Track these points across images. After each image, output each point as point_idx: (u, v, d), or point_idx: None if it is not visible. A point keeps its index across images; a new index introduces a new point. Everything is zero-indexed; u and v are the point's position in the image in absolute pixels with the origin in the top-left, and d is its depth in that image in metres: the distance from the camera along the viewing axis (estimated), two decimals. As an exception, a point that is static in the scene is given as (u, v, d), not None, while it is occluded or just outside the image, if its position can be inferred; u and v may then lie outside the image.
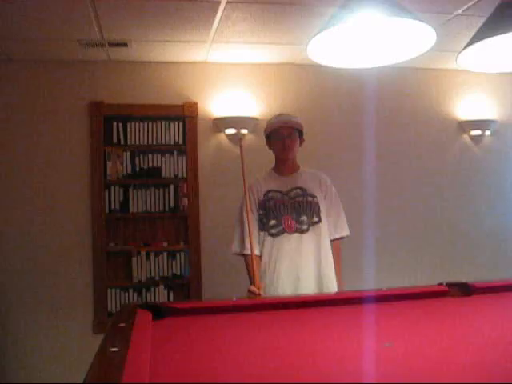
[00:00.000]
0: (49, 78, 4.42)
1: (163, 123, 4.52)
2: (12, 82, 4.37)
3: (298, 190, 3.25)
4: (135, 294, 4.46)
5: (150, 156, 4.51)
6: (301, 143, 3.33)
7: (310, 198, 3.23)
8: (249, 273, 3.15)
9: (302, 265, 3.15)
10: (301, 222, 3.18)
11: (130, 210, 4.46)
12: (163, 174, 4.52)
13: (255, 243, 3.13)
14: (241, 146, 3.32)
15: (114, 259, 4.46)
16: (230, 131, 4.56)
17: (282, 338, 1.90)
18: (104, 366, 1.42)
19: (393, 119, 4.90)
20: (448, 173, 5.03)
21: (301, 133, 3.31)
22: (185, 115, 4.55)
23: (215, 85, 4.62)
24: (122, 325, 1.85)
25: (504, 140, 5.15)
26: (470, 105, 5.06)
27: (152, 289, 4.46)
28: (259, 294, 2.93)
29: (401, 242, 4.82)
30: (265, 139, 3.41)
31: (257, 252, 3.14)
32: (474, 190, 5.06)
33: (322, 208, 3.24)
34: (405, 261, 4.75)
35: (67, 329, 4.31)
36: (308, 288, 3.12)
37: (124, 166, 4.46)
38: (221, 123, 4.58)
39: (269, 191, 3.25)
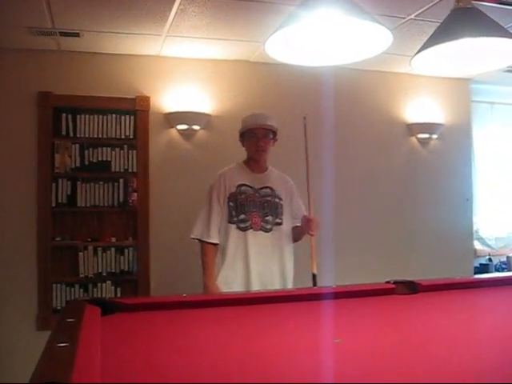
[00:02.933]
0: (-5, 66, 4.28)
1: (114, 116, 4.45)
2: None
3: (268, 190, 3.31)
4: (81, 290, 4.37)
5: (99, 149, 4.42)
6: (273, 143, 3.39)
7: (277, 200, 3.31)
8: (204, 259, 3.20)
9: (265, 261, 3.22)
10: (266, 221, 3.25)
11: (78, 204, 4.37)
12: (113, 168, 4.45)
13: (215, 232, 3.21)
14: (305, 124, 3.43)
15: (59, 254, 4.36)
16: (182, 127, 4.53)
17: (229, 334, 1.90)
18: (53, 362, 1.38)
19: (345, 120, 4.96)
20: (395, 173, 5.14)
21: (274, 133, 3.35)
22: (136, 109, 4.49)
23: (168, 79, 4.57)
24: (70, 320, 1.81)
25: (449, 143, 5.30)
26: (418, 108, 5.18)
27: (99, 285, 4.39)
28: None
29: (349, 240, 4.89)
30: (239, 135, 3.41)
31: (215, 241, 3.21)
32: (420, 191, 5.19)
33: (284, 210, 3.32)
34: (353, 259, 4.81)
35: (10, 325, 4.18)
36: (272, 284, 3.19)
37: (73, 158, 4.37)
38: (173, 118, 4.54)
39: (242, 185, 3.28)
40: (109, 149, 4.44)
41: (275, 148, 4.66)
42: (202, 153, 4.59)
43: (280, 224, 3.29)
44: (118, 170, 4.45)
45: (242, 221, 3.22)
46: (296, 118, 4.83)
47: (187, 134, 4.58)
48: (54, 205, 4.32)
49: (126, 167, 4.47)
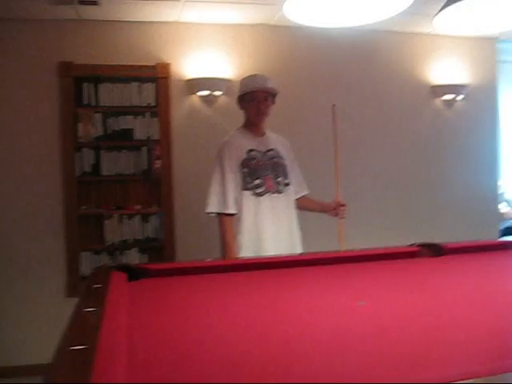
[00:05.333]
0: (15, 37, 4.28)
1: (135, 84, 4.44)
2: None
3: (273, 152, 3.27)
4: (108, 257, 4.44)
5: (121, 118, 4.43)
6: (272, 105, 3.32)
7: (282, 161, 3.28)
8: (224, 234, 3.13)
9: (280, 224, 3.20)
10: (278, 183, 3.22)
11: (102, 173, 4.41)
12: (135, 136, 4.46)
13: (232, 203, 3.14)
14: (334, 112, 3.34)
15: (86, 222, 4.42)
16: (203, 93, 4.51)
17: (258, 298, 1.91)
18: (80, 326, 1.41)
19: (366, 82, 4.90)
20: (420, 136, 5.07)
21: (274, 96, 3.29)
22: (157, 76, 4.48)
23: (188, 45, 4.54)
24: (97, 285, 1.84)
25: (475, 104, 5.19)
26: (442, 69, 5.08)
27: (125, 252, 4.45)
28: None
29: (374, 204, 4.88)
30: (236, 98, 3.34)
31: (234, 211, 3.15)
32: (445, 153, 5.12)
33: (289, 171, 3.30)
34: (377, 223, 4.81)
35: (40, 293, 4.28)
36: (285, 246, 3.16)
37: (96, 127, 4.39)
38: (194, 84, 4.52)
39: (251, 150, 3.23)
40: (131, 117, 4.45)
41: (294, 111, 4.67)
42: (223, 118, 4.57)
43: (288, 184, 3.26)
44: (140, 137, 4.47)
45: (258, 186, 3.17)
46: (315, 81, 4.80)
47: (208, 100, 4.56)
48: (78, 174, 4.36)
49: (148, 135, 4.48)
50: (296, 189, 3.36)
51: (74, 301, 1.68)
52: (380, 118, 4.95)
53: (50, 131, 4.32)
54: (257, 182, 3.17)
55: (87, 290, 1.83)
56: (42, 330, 4.12)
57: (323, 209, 3.41)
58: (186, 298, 1.95)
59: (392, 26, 4.59)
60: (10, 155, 4.28)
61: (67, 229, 4.36)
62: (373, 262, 2.49)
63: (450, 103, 5.11)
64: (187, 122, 4.56)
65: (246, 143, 3.24)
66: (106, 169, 4.42)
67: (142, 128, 4.47)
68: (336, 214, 3.33)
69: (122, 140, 4.44)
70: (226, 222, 3.14)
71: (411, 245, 2.71)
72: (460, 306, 1.70)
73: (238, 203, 3.16)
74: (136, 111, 4.46)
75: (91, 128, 4.39)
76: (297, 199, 3.37)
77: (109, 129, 4.41)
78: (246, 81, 3.33)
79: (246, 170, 3.18)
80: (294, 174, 3.36)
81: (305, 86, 4.77)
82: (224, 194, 3.15)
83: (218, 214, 3.17)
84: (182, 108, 4.56)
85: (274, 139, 3.35)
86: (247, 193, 3.16)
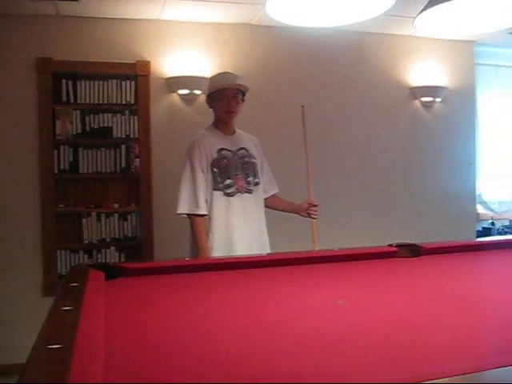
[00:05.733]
0: (-7, 32, 4.22)
1: (114, 82, 4.41)
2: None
3: (244, 151, 3.25)
4: (86, 256, 4.40)
5: (100, 115, 4.39)
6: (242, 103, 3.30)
7: (252, 160, 3.26)
8: (196, 235, 3.08)
9: (250, 224, 3.19)
10: (248, 183, 3.21)
11: (80, 171, 4.37)
12: (114, 134, 4.43)
13: (203, 203, 3.10)
14: (303, 113, 3.38)
15: (63, 220, 4.37)
16: (183, 91, 4.49)
17: (239, 297, 1.91)
18: (57, 325, 1.40)
19: (347, 83, 4.93)
20: (398, 137, 5.11)
21: (243, 94, 3.26)
22: (137, 74, 4.45)
23: (169, 44, 4.52)
24: (74, 284, 1.82)
25: (453, 106, 5.25)
26: (421, 71, 5.12)
27: (103, 250, 4.41)
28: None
29: (351, 205, 4.90)
30: (206, 97, 3.32)
31: (205, 211, 3.11)
32: (423, 154, 5.17)
33: (259, 170, 3.29)
34: (355, 224, 4.83)
35: (15, 291, 4.22)
36: (256, 246, 3.16)
37: (74, 125, 4.34)
38: (174, 83, 4.50)
39: (221, 149, 3.19)
40: (110, 114, 4.41)
41: (274, 111, 4.67)
42: (203, 118, 4.53)
43: (258, 184, 3.25)
44: (119, 135, 4.43)
45: (229, 186, 3.13)
46: (296, 81, 4.81)
47: (188, 99, 4.55)
48: (56, 172, 4.31)
49: (127, 133, 4.44)
50: (266, 187, 3.36)
51: (51, 300, 1.66)
52: (358, 119, 4.97)
53: (28, 128, 4.26)
54: (227, 181, 3.14)
55: (64, 288, 1.81)
56: (17, 329, 4.07)
57: (294, 209, 3.39)
58: (164, 297, 1.94)
59: (372, 28, 4.61)
60: (-14, 152, 4.22)
61: (44, 227, 4.30)
62: (352, 262, 2.50)
63: (428, 105, 5.16)
64: (167, 120, 4.54)
65: (216, 142, 3.19)
66: (85, 167, 4.37)
67: (121, 126, 4.43)
68: (308, 215, 3.32)
69: (100, 138, 4.40)
70: (197, 222, 3.09)
71: (389, 245, 2.73)
72: (437, 305, 1.72)
73: (209, 204, 3.13)
74: (115, 109, 4.43)
75: (69, 125, 4.34)
76: (266, 198, 3.36)
77: (87, 126, 4.37)
78: (215, 78, 3.31)
79: (216, 169, 3.14)
80: (265, 173, 3.36)
81: (284, 86, 4.77)
82: (195, 194, 3.10)
83: (189, 215, 3.13)
84: (162, 106, 4.54)
85: (245, 138, 3.33)
86: (218, 193, 3.13)
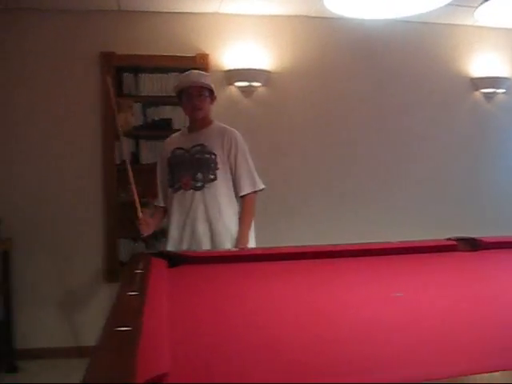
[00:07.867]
0: (57, 28, 4.36)
1: (175, 74, 4.49)
2: (20, 33, 4.30)
3: (198, 147, 3.28)
4: (143, 245, 4.51)
5: (161, 107, 4.49)
6: (212, 101, 3.37)
7: (207, 155, 3.25)
8: None
9: (194, 221, 3.22)
10: (196, 180, 3.23)
11: (141, 162, 4.48)
12: (174, 126, 4.51)
13: (162, 197, 3.40)
14: (107, 81, 3.54)
15: (124, 210, 4.50)
16: (242, 84, 4.54)
17: (296, 287, 1.94)
18: (124, 309, 1.46)
19: (404, 74, 4.85)
20: (459, 129, 5.00)
21: (211, 91, 3.31)
22: (196, 67, 4.51)
23: (227, 37, 4.57)
24: (139, 271, 1.89)
25: (516, 97, 5.10)
26: (482, 62, 4.99)
27: (163, 240, 4.50)
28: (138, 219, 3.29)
29: (411, 197, 4.84)
30: (176, 96, 3.42)
31: (162, 204, 3.41)
32: (484, 147, 5.04)
33: (219, 165, 3.24)
34: (415, 216, 4.77)
35: (79, 278, 4.39)
36: (202, 244, 3.19)
37: (135, 117, 4.45)
38: (232, 75, 4.55)
39: (175, 149, 3.34)
40: (170, 107, 4.49)
41: (333, 103, 4.66)
42: (261, 110, 4.61)
43: (214, 180, 3.22)
44: (179, 127, 4.49)
45: (175, 183, 3.28)
46: (353, 73, 4.78)
47: (247, 91, 4.59)
48: (118, 162, 4.44)
49: (186, 125, 4.51)
50: (236, 185, 3.28)
51: (112, 286, 1.73)
52: (417, 111, 4.89)
53: (91, 120, 4.41)
54: (175, 179, 3.30)
55: (129, 274, 1.89)
56: (82, 313, 4.24)
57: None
58: (224, 284, 1.99)
59: (432, 18, 4.52)
60: (52, 144, 4.38)
61: (106, 216, 4.45)
62: (411, 255, 2.50)
63: (490, 96, 5.03)
64: (225, 112, 4.58)
65: (175, 142, 3.40)
66: (145, 158, 4.49)
67: (180, 118, 4.51)
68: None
69: (161, 129, 4.49)
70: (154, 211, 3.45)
71: (449, 239, 2.70)
72: (496, 302, 1.70)
73: (168, 199, 3.36)
74: (175, 101, 4.48)
75: (131, 117, 4.45)
76: (241, 197, 3.29)
77: (148, 118, 4.48)
78: (181, 78, 3.44)
79: (168, 168, 3.34)
80: (237, 169, 3.27)
81: (342, 78, 4.75)
82: (159, 190, 3.43)
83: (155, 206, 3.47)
84: (221, 98, 4.55)
85: (212, 133, 3.32)
86: (170, 190, 3.33)
